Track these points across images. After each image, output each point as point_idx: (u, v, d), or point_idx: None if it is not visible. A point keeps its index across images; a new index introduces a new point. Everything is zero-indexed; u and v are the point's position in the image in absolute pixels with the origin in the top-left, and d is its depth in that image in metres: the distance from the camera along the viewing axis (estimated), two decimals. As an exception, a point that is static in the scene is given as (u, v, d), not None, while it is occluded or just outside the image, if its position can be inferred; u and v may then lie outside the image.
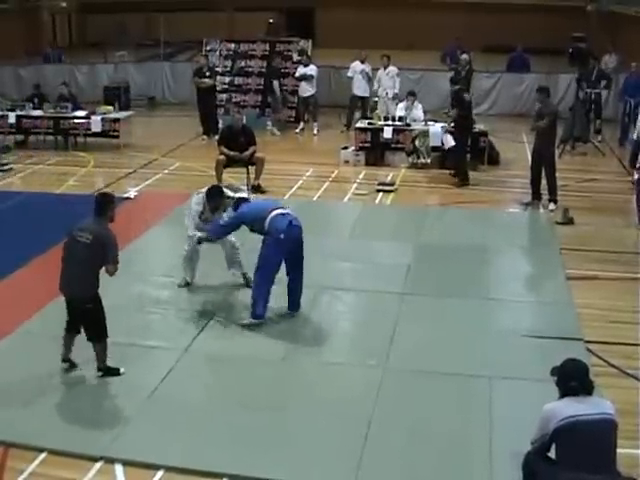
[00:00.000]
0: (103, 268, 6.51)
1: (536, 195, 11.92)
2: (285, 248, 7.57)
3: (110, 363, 6.76)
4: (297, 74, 17.40)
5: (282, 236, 7.46)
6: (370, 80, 17.26)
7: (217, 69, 18.12)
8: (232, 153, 12.46)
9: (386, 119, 14.85)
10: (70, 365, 6.79)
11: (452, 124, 13.55)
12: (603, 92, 16.53)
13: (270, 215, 7.54)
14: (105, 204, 6.56)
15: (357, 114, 17.24)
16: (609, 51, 19.53)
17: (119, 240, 6.56)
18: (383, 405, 6.34)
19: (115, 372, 6.70)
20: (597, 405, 4.76)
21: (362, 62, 17.34)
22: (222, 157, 12.49)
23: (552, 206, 11.68)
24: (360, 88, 17.31)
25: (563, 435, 4.67)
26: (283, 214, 7.60)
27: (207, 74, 16.81)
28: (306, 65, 17.32)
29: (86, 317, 6.56)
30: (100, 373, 6.67)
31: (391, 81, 16.75)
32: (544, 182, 11.85)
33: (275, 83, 17.50)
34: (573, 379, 4.79)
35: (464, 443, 5.85)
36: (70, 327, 6.72)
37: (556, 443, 4.75)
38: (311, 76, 17.20)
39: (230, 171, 12.79)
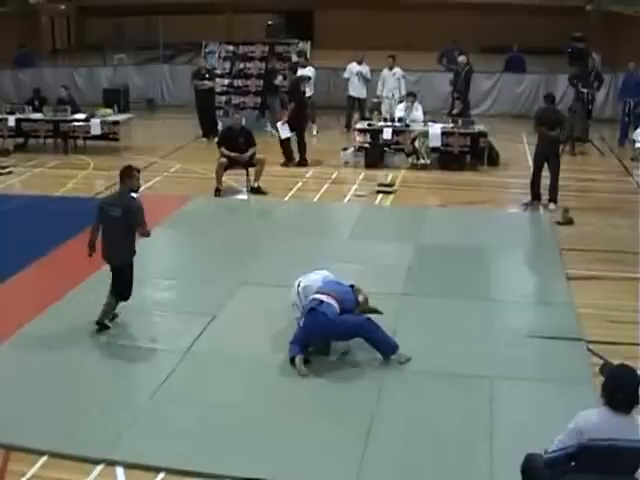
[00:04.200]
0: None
1: (536, 195, 11.92)
2: (306, 336, 7.05)
3: (112, 363, 6.95)
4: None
5: (301, 323, 7.08)
6: (367, 81, 17.23)
7: (216, 71, 18.11)
8: (233, 154, 12.47)
9: (386, 120, 14.85)
10: (100, 327, 7.48)
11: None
12: (596, 93, 16.45)
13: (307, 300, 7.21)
14: (124, 175, 7.46)
15: (356, 115, 17.22)
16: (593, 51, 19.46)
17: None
18: (384, 406, 6.33)
19: (106, 327, 7.52)
20: (633, 429, 4.46)
21: (359, 63, 17.31)
22: (224, 160, 12.48)
23: (552, 206, 11.69)
24: (356, 89, 17.28)
25: (587, 453, 4.44)
26: (312, 308, 7.01)
27: (206, 76, 16.81)
28: (304, 67, 17.30)
29: (120, 279, 7.53)
30: (97, 326, 7.49)
31: (397, 82, 16.72)
32: (544, 182, 11.87)
33: (279, 79, 17.40)
34: (621, 390, 4.46)
35: (465, 443, 5.84)
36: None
37: (578, 458, 4.50)
38: (308, 77, 17.17)
39: (230, 173, 12.79)
